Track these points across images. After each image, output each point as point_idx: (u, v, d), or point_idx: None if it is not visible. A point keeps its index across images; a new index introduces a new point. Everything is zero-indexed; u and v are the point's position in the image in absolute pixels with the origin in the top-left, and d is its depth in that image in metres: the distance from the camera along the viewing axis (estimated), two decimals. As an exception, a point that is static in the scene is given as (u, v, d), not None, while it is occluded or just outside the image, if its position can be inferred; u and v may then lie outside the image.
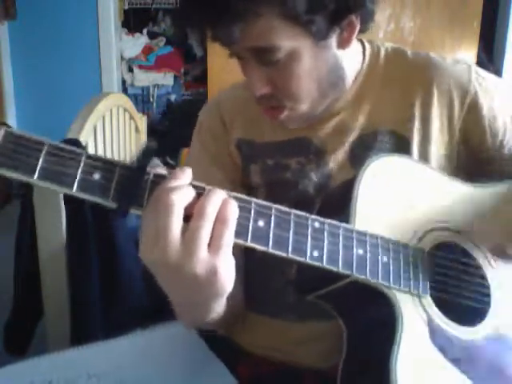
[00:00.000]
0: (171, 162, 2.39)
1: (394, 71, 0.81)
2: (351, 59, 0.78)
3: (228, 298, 0.60)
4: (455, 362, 0.63)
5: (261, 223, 0.54)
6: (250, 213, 0.53)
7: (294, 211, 0.56)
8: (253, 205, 0.54)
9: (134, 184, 0.50)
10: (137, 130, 2.13)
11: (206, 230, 0.49)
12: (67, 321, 1.21)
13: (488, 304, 0.69)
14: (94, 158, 0.49)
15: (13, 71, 3.02)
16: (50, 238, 1.17)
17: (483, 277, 0.70)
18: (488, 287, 0.70)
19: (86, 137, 1.35)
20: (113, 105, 1.74)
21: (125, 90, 3.11)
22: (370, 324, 0.66)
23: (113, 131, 1.74)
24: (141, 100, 3.13)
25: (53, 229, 1.16)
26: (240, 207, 0.52)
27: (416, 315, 0.63)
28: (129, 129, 2.02)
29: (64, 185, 0.48)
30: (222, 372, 0.78)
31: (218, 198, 0.50)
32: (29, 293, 1.25)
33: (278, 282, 0.77)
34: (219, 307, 0.62)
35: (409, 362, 0.60)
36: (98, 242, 1.21)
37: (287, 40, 0.66)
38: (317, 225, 0.58)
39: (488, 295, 0.69)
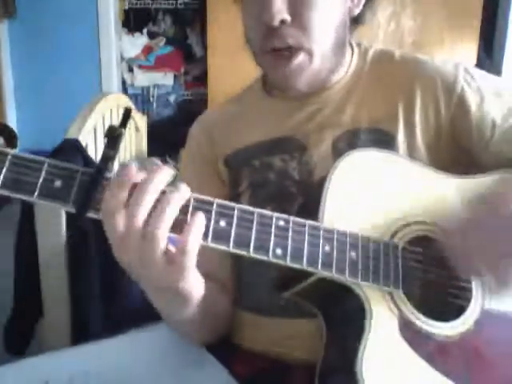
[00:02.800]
0: (171, 161, 2.39)
1: (379, 71, 0.82)
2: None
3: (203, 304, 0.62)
4: (428, 358, 0.62)
5: (222, 223, 0.55)
6: (210, 214, 0.54)
7: (257, 210, 0.57)
8: (214, 206, 0.55)
9: (91, 188, 0.51)
10: (137, 129, 2.13)
11: (165, 223, 0.51)
12: (67, 321, 1.21)
13: (469, 299, 0.67)
14: (57, 166, 0.51)
15: (13, 71, 3.02)
16: (50, 238, 1.17)
17: None
18: (469, 282, 0.68)
19: (85, 137, 1.35)
20: (113, 105, 1.75)
21: (125, 90, 3.11)
22: (342, 320, 0.66)
23: (113, 131, 1.74)
24: (141, 100, 3.13)
25: (53, 229, 1.16)
26: (201, 209, 0.54)
27: (386, 311, 0.62)
28: (129, 129, 2.02)
29: (25, 193, 0.50)
30: (219, 371, 0.78)
31: (182, 195, 0.52)
32: (29, 293, 1.25)
33: (269, 282, 0.77)
34: (189, 308, 0.63)
35: (376, 360, 0.60)
36: (98, 241, 1.21)
37: None
38: (281, 223, 0.58)
39: (469, 290, 0.68)
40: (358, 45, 0.86)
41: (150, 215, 0.51)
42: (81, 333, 1.20)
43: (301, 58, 0.74)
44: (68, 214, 1.17)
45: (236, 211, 0.56)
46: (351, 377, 0.59)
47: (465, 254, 0.62)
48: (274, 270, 0.76)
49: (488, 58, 2.91)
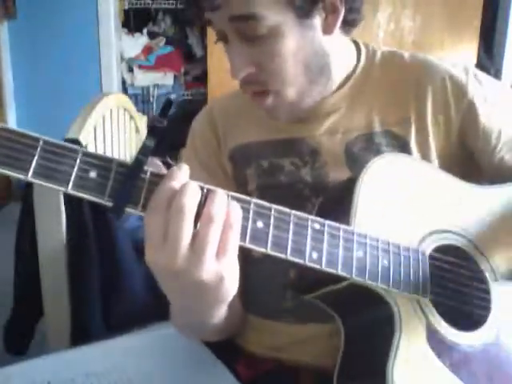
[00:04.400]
0: (171, 161, 2.39)
1: (389, 73, 0.81)
2: (341, 53, 0.78)
3: (229, 304, 0.60)
4: (453, 367, 0.63)
5: (260, 224, 0.53)
6: (248, 213, 0.52)
7: (293, 212, 0.55)
8: (252, 205, 0.53)
9: (130, 182, 0.48)
10: (137, 130, 2.13)
11: (215, 237, 0.48)
12: (67, 321, 1.21)
13: (489, 310, 0.68)
14: (91, 156, 0.48)
15: (13, 71, 3.02)
16: (50, 237, 1.17)
17: (484, 281, 0.69)
18: (489, 292, 0.69)
19: (85, 137, 1.35)
20: (113, 105, 1.74)
21: (125, 90, 3.11)
22: (368, 326, 0.65)
23: (113, 131, 1.74)
24: (141, 100, 3.13)
25: (53, 229, 1.16)
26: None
27: (415, 319, 0.62)
28: (129, 129, 2.02)
29: (59, 183, 0.47)
30: (221, 372, 0.78)
31: (223, 201, 0.50)
32: (29, 293, 1.25)
33: (277, 285, 0.77)
34: (220, 312, 0.62)
35: (406, 367, 0.60)
36: (98, 241, 1.21)
37: (269, 10, 0.66)
38: (317, 226, 0.57)
39: (489, 300, 0.68)
40: (366, 46, 0.84)
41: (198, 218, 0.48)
42: (81, 333, 1.20)
43: (271, 99, 0.74)
44: (69, 215, 1.17)
45: (273, 211, 0.54)
46: (378, 381, 0.59)
47: None
48: (280, 274, 0.77)
49: (488, 58, 2.91)
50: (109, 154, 1.62)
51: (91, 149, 1.46)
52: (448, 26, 2.82)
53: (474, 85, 0.78)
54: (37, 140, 0.46)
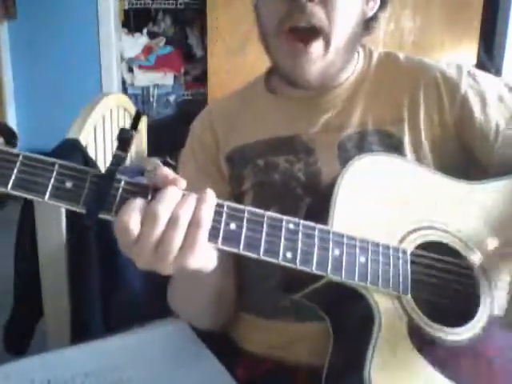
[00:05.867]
0: (171, 161, 2.39)
1: (385, 73, 0.83)
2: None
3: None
4: (436, 363, 0.62)
5: (233, 226, 0.55)
6: (221, 216, 0.55)
7: (267, 213, 0.57)
8: (225, 208, 0.55)
9: (102, 190, 0.52)
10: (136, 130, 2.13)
11: (178, 238, 0.52)
12: (67, 321, 1.21)
13: (477, 304, 0.67)
14: (67, 167, 0.52)
15: (13, 71, 3.02)
16: (50, 238, 1.17)
17: (472, 277, 0.68)
18: (478, 287, 0.68)
19: (85, 137, 1.35)
20: (113, 105, 1.75)
21: (125, 90, 3.11)
22: (352, 324, 0.65)
23: (113, 131, 1.74)
24: (141, 100, 3.13)
25: (53, 229, 1.16)
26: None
27: (395, 316, 0.62)
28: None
29: (36, 194, 0.51)
30: (219, 371, 0.78)
31: (191, 202, 0.53)
32: (29, 293, 1.25)
33: (272, 284, 0.77)
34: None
35: (385, 365, 0.60)
36: (98, 241, 1.21)
37: None
38: (291, 226, 0.58)
39: (478, 295, 0.68)
40: (363, 46, 0.86)
41: (168, 220, 0.52)
42: (81, 333, 1.20)
43: (318, 45, 0.73)
44: (69, 215, 1.17)
45: (246, 214, 0.56)
46: (359, 381, 0.59)
47: None
48: (277, 272, 0.76)
49: (488, 58, 2.91)
50: (109, 155, 1.62)
51: (91, 149, 1.46)
52: (448, 26, 2.82)
53: (467, 81, 0.79)
54: (16, 155, 0.50)
